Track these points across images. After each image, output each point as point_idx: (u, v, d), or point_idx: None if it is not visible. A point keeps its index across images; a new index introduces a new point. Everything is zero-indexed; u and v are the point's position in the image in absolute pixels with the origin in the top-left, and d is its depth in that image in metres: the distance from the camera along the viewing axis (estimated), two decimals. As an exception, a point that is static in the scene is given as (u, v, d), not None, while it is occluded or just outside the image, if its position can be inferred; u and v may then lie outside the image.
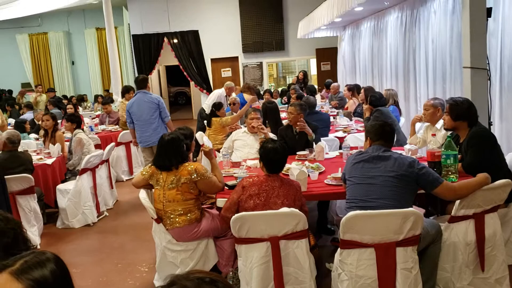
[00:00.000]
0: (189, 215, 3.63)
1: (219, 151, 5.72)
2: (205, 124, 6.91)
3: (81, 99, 14.36)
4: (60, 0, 11.60)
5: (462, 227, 3.17)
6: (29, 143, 7.06)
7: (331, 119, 6.83)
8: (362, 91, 7.10)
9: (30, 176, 5.06)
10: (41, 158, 5.85)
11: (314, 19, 9.30)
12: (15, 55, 17.12)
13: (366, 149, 3.39)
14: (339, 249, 3.04)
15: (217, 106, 7.05)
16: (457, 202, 3.17)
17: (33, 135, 7.90)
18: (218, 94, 8.77)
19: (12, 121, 9.54)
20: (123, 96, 8.46)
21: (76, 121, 6.27)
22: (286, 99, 9.90)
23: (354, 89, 8.53)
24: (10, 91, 15.51)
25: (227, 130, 6.47)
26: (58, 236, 5.41)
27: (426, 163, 3.49)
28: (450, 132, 3.97)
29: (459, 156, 3.57)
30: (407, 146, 4.50)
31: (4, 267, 1.40)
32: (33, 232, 5.02)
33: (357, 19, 10.24)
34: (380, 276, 2.90)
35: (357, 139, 5.61)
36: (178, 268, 3.64)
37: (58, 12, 15.33)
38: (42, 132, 6.68)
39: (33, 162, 5.46)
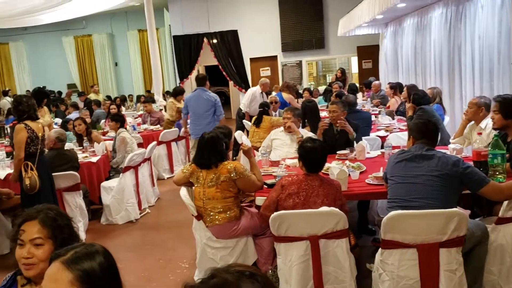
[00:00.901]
0: (228, 212, 3.66)
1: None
2: (253, 122, 6.92)
3: (124, 99, 14.73)
4: (104, 3, 11.92)
5: (511, 229, 3.05)
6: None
7: (373, 118, 6.72)
8: (405, 89, 6.94)
9: (76, 173, 5.23)
10: (86, 156, 6.04)
11: (355, 17, 9.17)
12: (61, 57, 17.73)
13: (409, 148, 3.32)
14: (380, 249, 3.00)
15: (268, 104, 7.10)
16: (505, 203, 3.05)
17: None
18: (252, 92, 8.80)
19: (59, 120, 9.88)
20: (175, 96, 8.81)
21: (120, 121, 6.45)
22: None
23: (396, 87, 8.36)
24: (60, 92, 16.10)
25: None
26: (102, 232, 5.57)
27: (471, 163, 3.38)
28: (498, 131, 3.83)
29: (506, 155, 3.44)
30: (451, 146, 4.37)
31: (56, 256, 1.49)
32: (79, 228, 5.18)
33: (400, 16, 10.02)
34: (423, 277, 2.84)
35: (400, 138, 5.50)
36: (218, 264, 3.66)
37: (102, 14, 15.76)
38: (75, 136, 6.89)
39: (79, 160, 5.64)
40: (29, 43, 17.90)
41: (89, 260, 1.48)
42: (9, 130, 8.75)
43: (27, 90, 16.83)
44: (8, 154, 6.20)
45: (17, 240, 1.88)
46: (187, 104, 7.13)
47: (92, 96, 13.41)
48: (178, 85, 15.08)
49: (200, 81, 7.16)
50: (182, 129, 8.02)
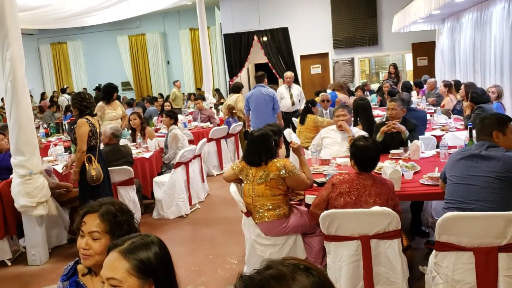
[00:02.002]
0: (277, 210, 3.65)
1: (307, 149, 5.68)
2: (299, 121, 6.90)
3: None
4: (157, 2, 12.18)
5: None
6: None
7: (428, 116, 6.51)
8: (462, 87, 6.68)
9: (130, 168, 5.39)
10: (139, 152, 6.21)
11: (410, 12, 8.92)
12: (116, 55, 18.31)
13: (469, 146, 3.19)
14: (434, 251, 2.92)
15: (312, 102, 7.04)
16: None
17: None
18: (278, 91, 8.75)
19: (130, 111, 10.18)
20: (238, 91, 9.10)
21: (173, 117, 6.59)
22: (380, 99, 9.46)
23: (451, 86, 8.06)
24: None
25: (320, 130, 6.40)
26: (154, 226, 5.70)
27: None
28: None
29: None
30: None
31: (114, 246, 1.56)
32: (138, 222, 5.33)
33: (458, 11, 9.65)
34: (480, 282, 2.73)
35: (456, 138, 5.29)
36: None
37: (155, 14, 16.12)
38: (130, 131, 7.10)
39: (133, 156, 5.80)
40: (86, 42, 18.62)
41: (145, 250, 1.53)
42: (66, 126, 9.15)
43: (84, 88, 17.52)
44: (66, 149, 6.46)
45: (80, 230, 1.95)
46: (248, 101, 7.68)
47: (175, 91, 13.68)
48: (228, 83, 15.23)
49: (259, 78, 7.76)
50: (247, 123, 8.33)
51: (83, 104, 4.64)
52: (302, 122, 6.85)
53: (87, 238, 1.91)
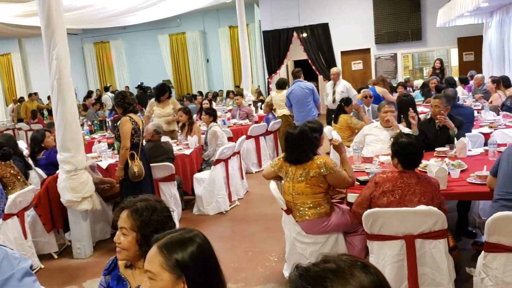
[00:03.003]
0: (318, 208, 3.60)
1: (349, 147, 5.58)
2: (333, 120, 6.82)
3: (216, 95, 15.13)
4: (197, 1, 12.30)
5: None
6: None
7: (475, 113, 6.28)
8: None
9: (171, 164, 5.46)
10: (180, 149, 6.28)
11: (456, 6, 8.63)
12: (157, 54, 18.60)
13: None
14: (482, 252, 2.82)
15: (346, 101, 6.87)
16: None
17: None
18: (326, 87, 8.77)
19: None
20: (284, 87, 8.97)
21: (213, 115, 6.64)
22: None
23: (499, 81, 7.76)
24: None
25: (355, 131, 6.29)
26: (194, 221, 5.75)
27: None
28: None
29: None
30: None
31: (156, 239, 1.57)
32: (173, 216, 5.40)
33: (507, 3, 9.26)
34: (534, 286, 2.60)
35: (506, 135, 5.08)
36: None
37: (195, 12, 16.25)
38: (180, 124, 7.21)
39: (174, 152, 5.87)
40: (127, 42, 19.00)
41: (180, 247, 1.51)
42: (110, 124, 9.37)
43: (126, 86, 17.91)
44: (110, 146, 6.61)
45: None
46: (289, 98, 7.90)
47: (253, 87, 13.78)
48: (267, 80, 15.21)
49: (295, 75, 8.04)
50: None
51: (126, 101, 4.75)
52: (335, 121, 6.74)
53: (119, 232, 1.97)
